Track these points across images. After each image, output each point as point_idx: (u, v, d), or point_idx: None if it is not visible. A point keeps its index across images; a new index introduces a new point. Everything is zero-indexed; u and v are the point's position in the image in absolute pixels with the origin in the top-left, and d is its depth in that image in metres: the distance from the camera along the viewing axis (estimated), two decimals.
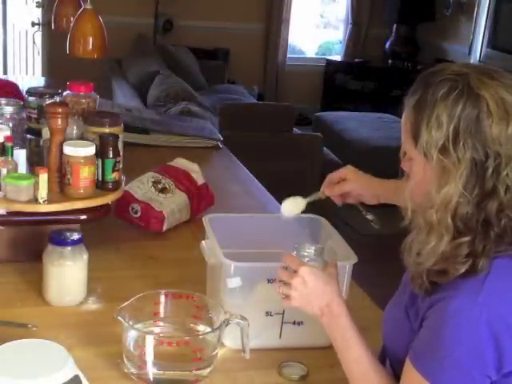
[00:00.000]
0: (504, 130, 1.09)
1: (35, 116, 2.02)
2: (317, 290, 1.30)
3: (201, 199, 2.18)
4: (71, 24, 2.34)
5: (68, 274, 1.63)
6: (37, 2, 5.05)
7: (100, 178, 1.81)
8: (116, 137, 1.82)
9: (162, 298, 1.49)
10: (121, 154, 1.84)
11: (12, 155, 1.74)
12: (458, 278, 1.12)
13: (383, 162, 5.13)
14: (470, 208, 1.11)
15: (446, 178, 1.11)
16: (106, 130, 1.83)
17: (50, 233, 1.64)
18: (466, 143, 1.09)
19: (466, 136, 1.09)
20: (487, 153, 1.09)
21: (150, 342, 1.34)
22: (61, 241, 1.61)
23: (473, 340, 1.09)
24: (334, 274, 1.34)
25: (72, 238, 1.61)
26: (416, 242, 1.17)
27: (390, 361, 1.31)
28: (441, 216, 1.12)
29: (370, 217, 1.59)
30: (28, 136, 2.01)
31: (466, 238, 1.12)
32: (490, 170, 1.10)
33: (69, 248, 1.61)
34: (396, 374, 1.27)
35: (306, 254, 1.36)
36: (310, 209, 1.64)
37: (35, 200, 1.71)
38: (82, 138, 1.86)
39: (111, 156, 1.80)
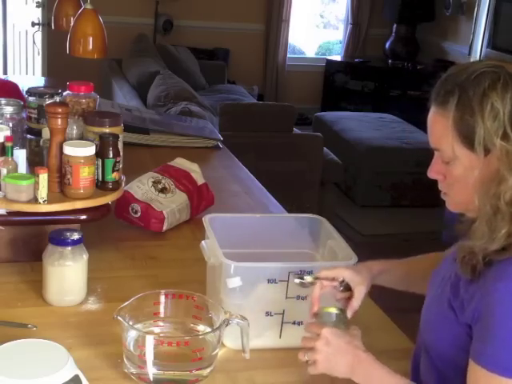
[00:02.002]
0: None
1: (35, 116, 2.02)
2: (340, 348, 1.29)
3: (201, 199, 2.18)
4: (71, 24, 2.34)
5: (68, 274, 1.63)
6: (37, 2, 5.04)
7: (100, 178, 1.81)
8: (116, 137, 1.82)
9: (162, 298, 1.49)
10: (121, 154, 1.84)
11: (12, 155, 1.74)
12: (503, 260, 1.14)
13: (383, 161, 5.16)
14: None
15: None
16: (106, 129, 1.83)
17: (49, 233, 1.64)
18: None
19: None
20: None
21: (150, 342, 1.34)
22: (61, 241, 1.61)
23: None
24: (358, 335, 1.33)
25: (72, 238, 1.61)
26: (487, 228, 1.17)
27: (432, 360, 1.31)
28: (510, 198, 1.15)
29: None
30: (28, 136, 2.01)
31: None
32: None
33: (69, 248, 1.61)
34: (438, 368, 1.29)
35: (326, 317, 1.36)
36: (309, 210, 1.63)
37: (35, 200, 1.71)
38: (81, 138, 1.86)
39: (111, 156, 1.80)
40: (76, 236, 1.62)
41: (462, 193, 1.23)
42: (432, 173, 1.27)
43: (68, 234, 1.62)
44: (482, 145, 1.16)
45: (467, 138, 1.17)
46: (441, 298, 1.28)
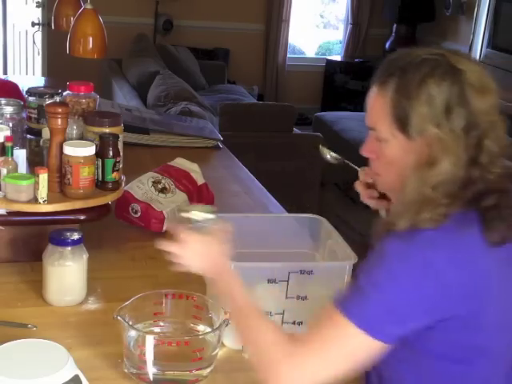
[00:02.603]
0: (484, 101, 1.16)
1: (35, 116, 2.02)
2: (197, 253, 1.35)
3: (201, 199, 2.18)
4: (71, 24, 2.35)
5: (68, 275, 1.63)
6: (37, 2, 5.04)
7: (100, 178, 1.81)
8: (116, 137, 1.82)
9: (162, 298, 1.49)
10: (121, 154, 1.84)
11: (12, 155, 1.74)
12: None
13: None
14: (462, 173, 1.16)
15: (445, 148, 1.16)
16: (106, 129, 1.83)
17: (49, 233, 1.64)
18: (458, 114, 1.15)
19: (458, 108, 1.15)
20: (472, 123, 1.16)
21: (150, 342, 1.34)
22: (61, 241, 1.61)
23: (407, 282, 1.12)
24: (217, 235, 1.35)
25: (72, 238, 1.61)
26: (411, 210, 1.17)
27: None
28: (438, 185, 1.16)
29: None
30: (28, 136, 2.01)
31: (447, 201, 1.16)
32: (474, 139, 1.16)
33: (69, 248, 1.61)
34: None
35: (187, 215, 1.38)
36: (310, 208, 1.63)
37: (35, 200, 1.71)
38: (81, 138, 1.86)
39: (111, 156, 1.80)
40: (76, 236, 1.62)
41: (391, 173, 1.26)
42: (365, 151, 1.30)
43: (68, 233, 1.62)
44: (415, 129, 1.17)
45: (401, 121, 1.19)
46: None
